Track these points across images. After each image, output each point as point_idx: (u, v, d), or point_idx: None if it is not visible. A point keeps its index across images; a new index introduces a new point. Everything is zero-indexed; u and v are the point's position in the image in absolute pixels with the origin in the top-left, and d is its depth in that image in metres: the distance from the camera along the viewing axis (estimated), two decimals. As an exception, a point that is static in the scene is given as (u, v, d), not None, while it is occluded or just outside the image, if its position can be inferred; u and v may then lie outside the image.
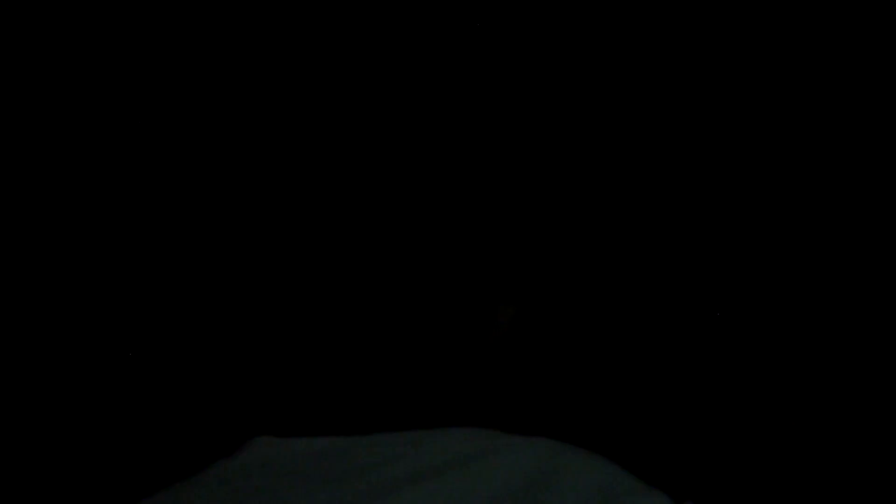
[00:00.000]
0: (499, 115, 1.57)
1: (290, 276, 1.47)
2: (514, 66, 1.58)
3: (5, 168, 1.57)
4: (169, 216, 1.58)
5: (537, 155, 1.62)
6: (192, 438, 1.36)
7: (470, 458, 1.11)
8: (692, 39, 1.56)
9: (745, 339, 1.59)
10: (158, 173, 1.59)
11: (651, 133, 1.62)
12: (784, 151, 1.58)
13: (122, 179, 1.59)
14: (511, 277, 1.51)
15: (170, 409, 1.48)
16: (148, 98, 1.58)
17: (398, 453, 1.11)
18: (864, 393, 1.54)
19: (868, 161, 1.57)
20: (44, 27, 1.53)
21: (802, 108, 1.56)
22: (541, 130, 1.62)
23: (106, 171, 1.60)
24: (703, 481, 1.56)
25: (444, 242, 1.44)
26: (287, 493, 1.05)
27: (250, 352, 1.50)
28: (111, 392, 1.53)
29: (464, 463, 1.10)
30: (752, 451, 1.56)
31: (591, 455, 1.15)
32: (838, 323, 1.57)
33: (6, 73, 1.53)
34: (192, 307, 1.56)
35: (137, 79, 1.58)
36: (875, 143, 1.56)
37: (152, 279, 1.58)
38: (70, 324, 1.58)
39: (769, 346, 1.58)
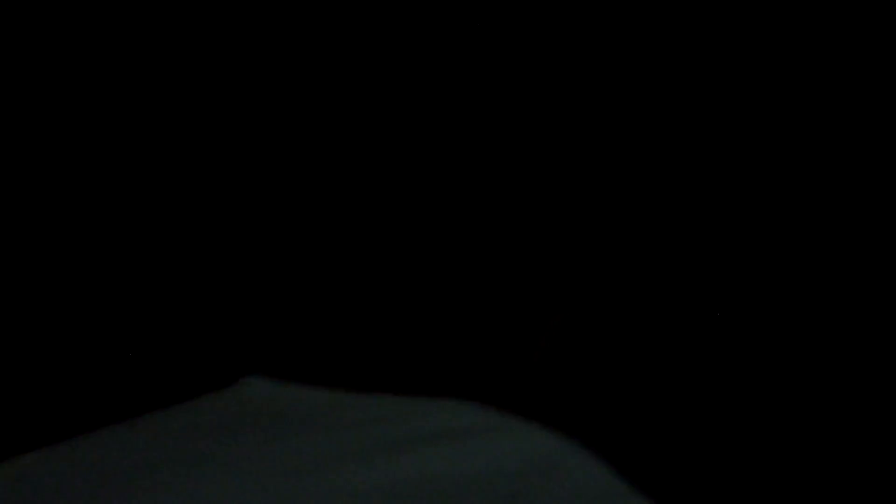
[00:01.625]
0: (546, 124, 1.59)
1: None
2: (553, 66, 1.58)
3: (5, 168, 1.57)
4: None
5: (580, 162, 1.61)
6: (182, 369, 1.35)
7: (465, 432, 1.09)
8: (694, 39, 1.57)
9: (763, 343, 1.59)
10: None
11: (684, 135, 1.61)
12: (788, 152, 1.58)
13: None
14: (558, 283, 1.52)
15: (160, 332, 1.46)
16: (147, 98, 1.58)
17: (393, 414, 1.09)
18: (864, 393, 1.54)
19: (868, 161, 1.56)
20: (44, 27, 1.53)
21: (802, 108, 1.56)
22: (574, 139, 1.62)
23: (102, 168, 1.60)
24: (708, 482, 1.53)
25: (493, 244, 1.45)
26: (270, 437, 1.03)
27: (256, 285, 1.49)
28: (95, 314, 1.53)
29: (458, 435, 1.08)
30: (761, 453, 1.53)
31: (588, 452, 1.14)
32: (838, 323, 1.56)
33: (6, 74, 1.53)
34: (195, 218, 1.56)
35: (137, 79, 1.58)
36: (875, 143, 1.55)
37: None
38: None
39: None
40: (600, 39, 1.59)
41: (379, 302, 1.45)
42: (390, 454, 1.02)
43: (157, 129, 1.56)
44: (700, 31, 1.59)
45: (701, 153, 1.61)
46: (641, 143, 1.61)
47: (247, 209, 1.55)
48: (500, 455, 1.06)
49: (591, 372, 1.59)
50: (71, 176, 1.56)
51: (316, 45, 1.56)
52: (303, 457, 1.00)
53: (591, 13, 1.58)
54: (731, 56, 1.59)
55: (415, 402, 1.13)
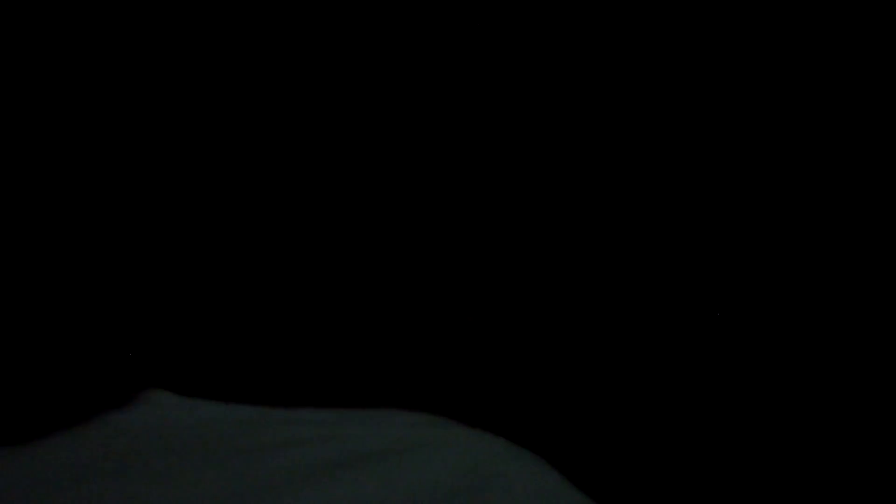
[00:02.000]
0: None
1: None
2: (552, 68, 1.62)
3: (5, 168, 1.52)
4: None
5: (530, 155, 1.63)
6: (79, 382, 1.25)
7: (401, 449, 1.00)
8: (693, 40, 1.59)
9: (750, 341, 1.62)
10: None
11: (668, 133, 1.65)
12: (785, 151, 1.60)
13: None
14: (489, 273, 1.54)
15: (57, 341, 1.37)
16: (147, 98, 1.57)
17: (321, 434, 0.98)
18: (864, 393, 1.57)
19: (868, 161, 1.59)
20: (44, 27, 1.51)
21: (802, 109, 1.58)
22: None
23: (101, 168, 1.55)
24: (698, 483, 1.57)
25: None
26: (180, 463, 0.90)
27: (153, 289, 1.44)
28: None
29: (393, 453, 0.98)
30: (751, 453, 1.57)
31: (537, 461, 1.07)
32: (838, 323, 1.59)
33: (6, 74, 1.51)
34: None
35: (136, 79, 1.57)
36: (874, 143, 1.58)
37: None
38: None
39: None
40: (599, 40, 1.59)
41: (294, 302, 1.40)
42: (332, 476, 0.92)
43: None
44: (700, 32, 1.59)
45: (701, 153, 1.61)
46: (642, 143, 1.60)
47: (143, 209, 1.51)
48: (438, 471, 0.97)
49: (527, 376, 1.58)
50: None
51: (305, 48, 1.56)
52: (224, 484, 0.88)
53: (591, 13, 1.59)
54: (731, 57, 1.59)
55: (349, 416, 1.03)
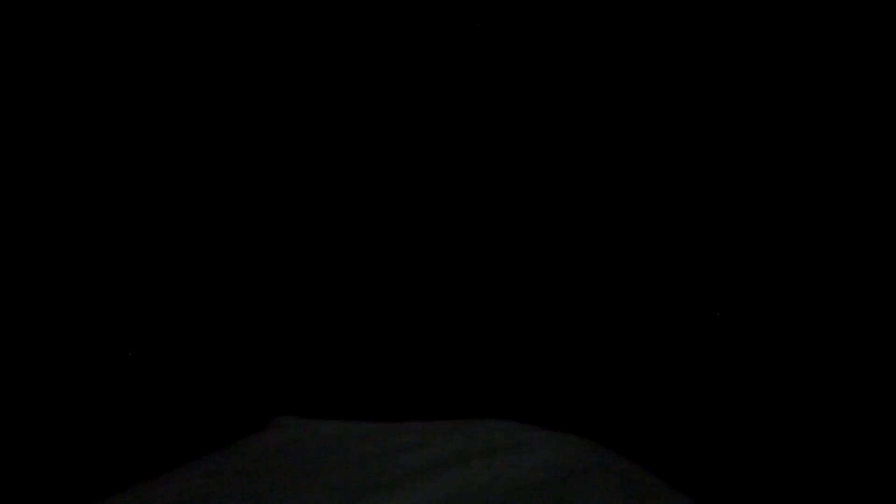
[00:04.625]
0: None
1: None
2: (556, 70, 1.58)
3: (5, 168, 1.58)
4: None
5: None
6: (215, 416, 1.36)
7: (496, 449, 1.10)
8: (693, 40, 1.56)
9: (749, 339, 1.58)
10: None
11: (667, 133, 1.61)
12: (785, 152, 1.57)
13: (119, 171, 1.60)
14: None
15: (193, 385, 1.47)
16: (147, 98, 1.58)
17: (425, 440, 1.10)
18: (864, 393, 1.54)
19: (867, 161, 1.56)
20: (44, 27, 1.52)
21: (802, 109, 1.55)
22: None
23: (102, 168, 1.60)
24: (711, 481, 1.55)
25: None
26: (309, 473, 1.03)
27: (278, 332, 1.50)
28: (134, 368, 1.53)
29: (490, 453, 1.08)
30: (756, 451, 1.55)
31: (617, 456, 1.14)
32: (838, 323, 1.56)
33: (6, 73, 1.53)
34: (220, 280, 1.56)
35: (137, 79, 1.58)
36: (874, 143, 1.55)
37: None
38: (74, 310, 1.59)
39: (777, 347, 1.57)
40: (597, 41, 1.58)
41: (399, 331, 1.45)
42: (438, 474, 1.03)
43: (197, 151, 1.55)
44: (700, 32, 1.57)
45: (700, 154, 1.60)
46: (641, 144, 1.60)
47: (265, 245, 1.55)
48: (530, 467, 1.07)
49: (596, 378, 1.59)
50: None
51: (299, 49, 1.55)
52: (344, 487, 1.01)
53: (591, 14, 1.57)
54: (730, 58, 1.57)
55: (448, 425, 1.14)
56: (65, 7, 1.51)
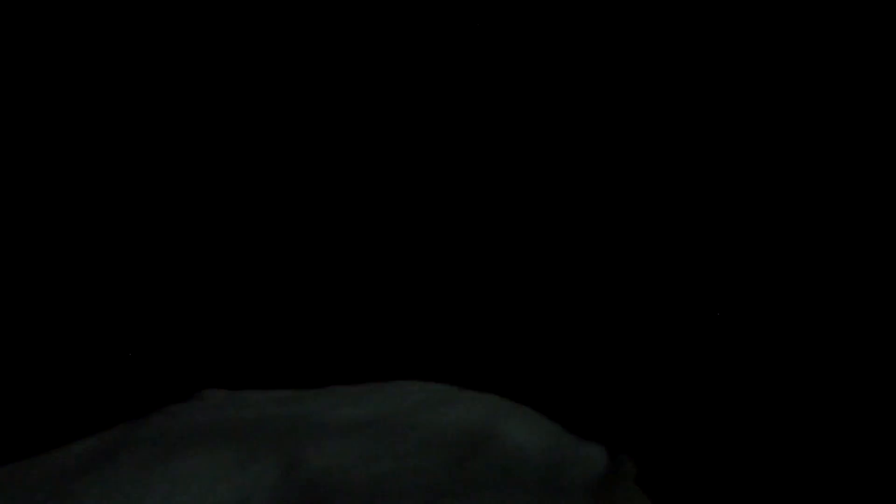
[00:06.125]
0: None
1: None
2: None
3: (5, 168, 1.56)
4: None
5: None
6: (153, 386, 1.36)
7: (418, 409, 1.13)
8: (693, 40, 1.55)
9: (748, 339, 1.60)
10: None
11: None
12: (787, 153, 1.58)
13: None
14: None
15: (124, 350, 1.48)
16: (148, 98, 1.59)
17: (346, 401, 1.12)
18: (864, 392, 1.54)
19: (867, 162, 1.56)
20: (44, 27, 1.51)
21: (802, 110, 1.56)
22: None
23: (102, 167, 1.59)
24: (701, 479, 1.58)
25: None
26: (227, 436, 1.05)
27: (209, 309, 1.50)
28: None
29: (411, 412, 1.11)
30: (751, 449, 1.56)
31: (536, 414, 1.17)
32: (837, 323, 1.57)
33: (6, 74, 1.51)
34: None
35: (138, 79, 1.57)
36: (874, 144, 1.55)
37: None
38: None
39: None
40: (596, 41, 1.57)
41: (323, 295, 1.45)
42: (360, 432, 1.05)
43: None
44: (700, 33, 1.55)
45: (700, 154, 1.59)
46: (645, 145, 1.59)
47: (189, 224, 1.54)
48: (454, 426, 1.10)
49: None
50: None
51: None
52: (268, 443, 1.02)
53: (591, 14, 1.55)
54: (731, 58, 1.56)
55: (369, 388, 1.17)
56: (65, 7, 1.48)
